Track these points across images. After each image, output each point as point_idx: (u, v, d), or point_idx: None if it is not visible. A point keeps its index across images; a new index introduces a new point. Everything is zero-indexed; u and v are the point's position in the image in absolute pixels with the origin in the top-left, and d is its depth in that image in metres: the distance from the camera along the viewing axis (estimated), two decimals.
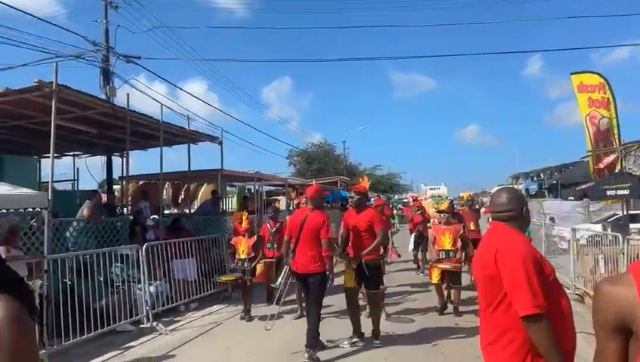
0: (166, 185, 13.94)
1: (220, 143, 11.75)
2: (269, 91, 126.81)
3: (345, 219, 6.16)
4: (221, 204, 12.80)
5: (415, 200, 14.87)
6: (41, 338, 5.30)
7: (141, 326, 6.87)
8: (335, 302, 7.46)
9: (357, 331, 5.89)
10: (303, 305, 6.47)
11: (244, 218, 7.69)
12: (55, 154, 7.17)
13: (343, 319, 6.68)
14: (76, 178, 13.17)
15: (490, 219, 2.53)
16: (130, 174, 10.75)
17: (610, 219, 15.76)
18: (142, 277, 7.13)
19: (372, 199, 13.32)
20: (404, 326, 6.68)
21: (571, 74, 13.86)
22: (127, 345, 6.14)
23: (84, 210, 7.96)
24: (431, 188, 48.84)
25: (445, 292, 7.54)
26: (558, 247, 11.55)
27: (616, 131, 11.91)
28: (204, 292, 8.48)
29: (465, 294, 7.81)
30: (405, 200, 43.19)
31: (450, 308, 7.37)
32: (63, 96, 7.02)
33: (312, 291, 5.49)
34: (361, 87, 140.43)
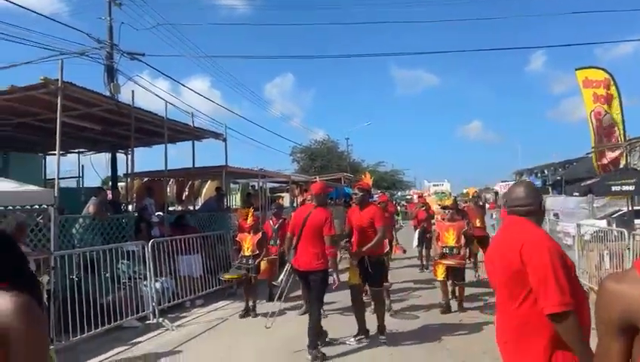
0: (170, 182, 13.97)
1: (224, 140, 11.77)
2: (272, 88, 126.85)
3: (348, 216, 6.19)
4: (225, 200, 12.83)
5: (420, 196, 14.86)
6: (49, 334, 5.35)
7: (147, 322, 6.92)
8: (340, 298, 7.48)
9: (362, 328, 5.90)
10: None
11: (249, 215, 7.70)
12: (60, 152, 7.19)
13: (347, 316, 6.71)
14: (81, 175, 13.21)
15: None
16: (134, 171, 10.76)
17: (615, 215, 15.70)
18: (148, 273, 7.17)
19: (375, 196, 13.33)
20: (409, 323, 6.70)
21: (576, 69, 13.80)
22: (134, 340, 6.18)
23: (90, 207, 8.00)
24: (434, 185, 48.90)
25: (450, 289, 7.56)
26: (563, 243, 11.50)
27: (621, 127, 11.88)
28: (209, 288, 8.51)
29: (468, 291, 7.83)
30: (408, 197, 43.22)
31: (454, 305, 7.38)
32: (69, 94, 7.04)
33: (313, 289, 5.47)
34: (364, 83, 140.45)
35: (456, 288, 7.59)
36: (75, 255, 6.39)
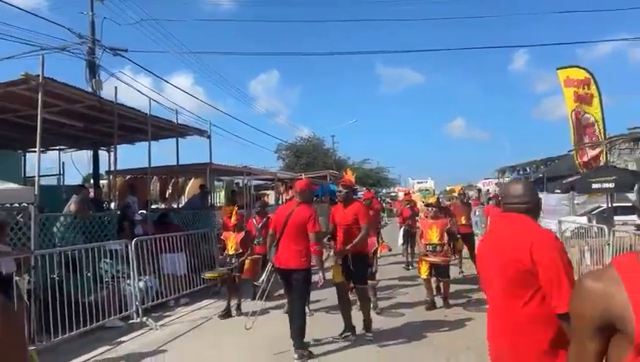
0: (153, 180, 13.84)
1: (209, 137, 11.69)
2: (257, 84, 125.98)
3: (332, 214, 6.13)
4: (209, 198, 12.75)
5: (406, 194, 14.92)
6: (30, 335, 5.26)
7: (131, 321, 6.84)
8: (326, 296, 7.49)
9: (348, 325, 5.89)
10: None
11: (233, 213, 7.63)
12: (41, 149, 7.07)
13: (333, 314, 6.72)
14: (62, 172, 13.03)
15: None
16: (117, 168, 10.63)
17: (595, 212, 16.00)
18: (131, 272, 7.09)
19: (360, 193, 13.37)
20: (395, 320, 6.73)
21: (558, 69, 13.96)
22: (117, 340, 6.11)
23: (72, 205, 7.88)
24: (418, 182, 49.14)
25: (434, 285, 7.62)
26: None
27: (601, 125, 12.06)
28: (193, 287, 8.44)
29: (452, 287, 7.91)
30: (393, 195, 43.44)
31: (439, 301, 7.43)
32: (50, 90, 6.92)
33: (295, 288, 5.34)
34: (349, 81, 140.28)
35: (441, 285, 7.65)
36: (56, 254, 6.29)
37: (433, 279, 7.48)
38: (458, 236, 9.02)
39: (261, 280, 6.05)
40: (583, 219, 13.81)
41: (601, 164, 11.80)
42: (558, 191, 14.73)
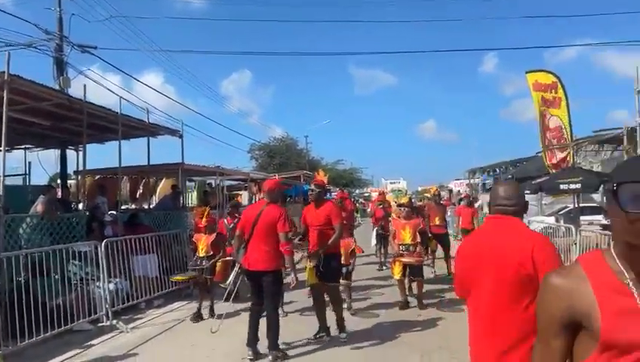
0: (124, 180, 13.57)
1: (181, 137, 11.52)
2: (229, 84, 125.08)
3: (304, 214, 6.05)
4: (181, 199, 12.59)
5: (380, 194, 14.99)
6: None
7: (100, 324, 6.69)
8: (298, 298, 7.49)
9: (323, 326, 5.87)
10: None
11: (205, 214, 7.52)
12: (5, 148, 6.84)
13: (306, 316, 6.73)
14: (28, 172, 12.64)
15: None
16: (86, 168, 10.38)
17: (562, 212, 16.46)
18: (101, 274, 6.93)
19: (334, 193, 13.42)
20: (369, 321, 6.76)
21: (526, 72, 14.33)
22: (87, 344, 5.97)
23: (39, 206, 7.66)
24: (391, 183, 49.71)
25: (407, 285, 7.69)
26: None
27: (568, 128, 12.41)
28: (165, 289, 8.31)
29: (425, 287, 7.97)
30: (366, 195, 43.76)
31: (413, 301, 7.49)
32: (16, 87, 6.69)
33: (266, 291, 5.25)
34: (323, 82, 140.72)
35: (414, 284, 7.72)
36: (22, 256, 6.10)
37: (406, 280, 7.54)
38: (430, 235, 9.13)
39: (228, 282, 5.95)
40: (551, 219, 14.21)
41: (569, 165, 12.15)
42: (527, 191, 15.06)
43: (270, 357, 5.16)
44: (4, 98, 6.45)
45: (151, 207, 13.19)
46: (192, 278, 7.26)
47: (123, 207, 12.40)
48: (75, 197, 11.78)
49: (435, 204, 10.61)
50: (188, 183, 17.26)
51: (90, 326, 6.60)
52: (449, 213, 14.90)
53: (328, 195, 13.16)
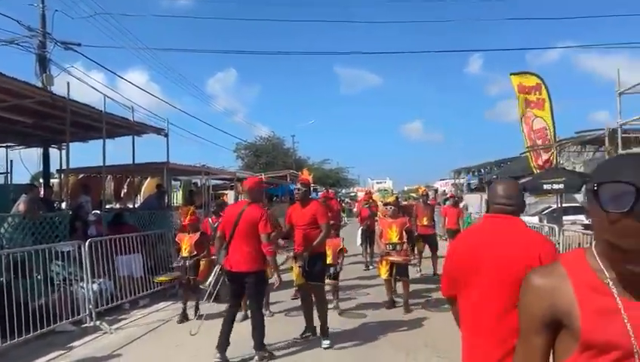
0: (108, 179, 13.43)
1: (166, 135, 11.43)
2: (215, 83, 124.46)
3: (289, 214, 5.96)
4: (167, 198, 12.49)
5: (367, 193, 14.96)
6: None
7: (83, 325, 6.61)
8: (283, 298, 7.47)
9: (309, 326, 5.85)
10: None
11: (189, 213, 7.45)
12: None
13: (292, 316, 6.72)
14: (9, 171, 12.44)
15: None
16: (69, 167, 10.25)
17: (545, 212, 16.68)
18: (84, 274, 6.85)
19: (319, 193, 13.41)
20: (356, 321, 6.77)
21: (511, 74, 14.46)
22: (69, 345, 5.89)
23: (21, 205, 7.54)
24: (377, 183, 49.88)
25: (393, 284, 7.70)
26: None
27: (551, 129, 12.56)
28: (150, 289, 8.23)
29: (411, 286, 7.98)
30: (353, 194, 43.84)
31: (399, 301, 7.50)
32: None
33: (249, 292, 5.19)
34: (309, 81, 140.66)
35: (401, 284, 7.71)
36: (3, 256, 5.98)
37: (392, 279, 7.55)
38: (416, 234, 9.15)
39: (208, 282, 5.85)
40: (535, 219, 14.39)
41: (553, 166, 12.30)
42: None
43: (256, 357, 5.13)
44: None
45: (136, 206, 13.04)
46: (176, 279, 7.16)
47: (107, 207, 12.27)
48: (58, 196, 11.63)
49: (423, 205, 10.61)
50: (173, 182, 17.12)
51: (73, 327, 6.52)
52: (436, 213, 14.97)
53: (314, 195, 13.20)
